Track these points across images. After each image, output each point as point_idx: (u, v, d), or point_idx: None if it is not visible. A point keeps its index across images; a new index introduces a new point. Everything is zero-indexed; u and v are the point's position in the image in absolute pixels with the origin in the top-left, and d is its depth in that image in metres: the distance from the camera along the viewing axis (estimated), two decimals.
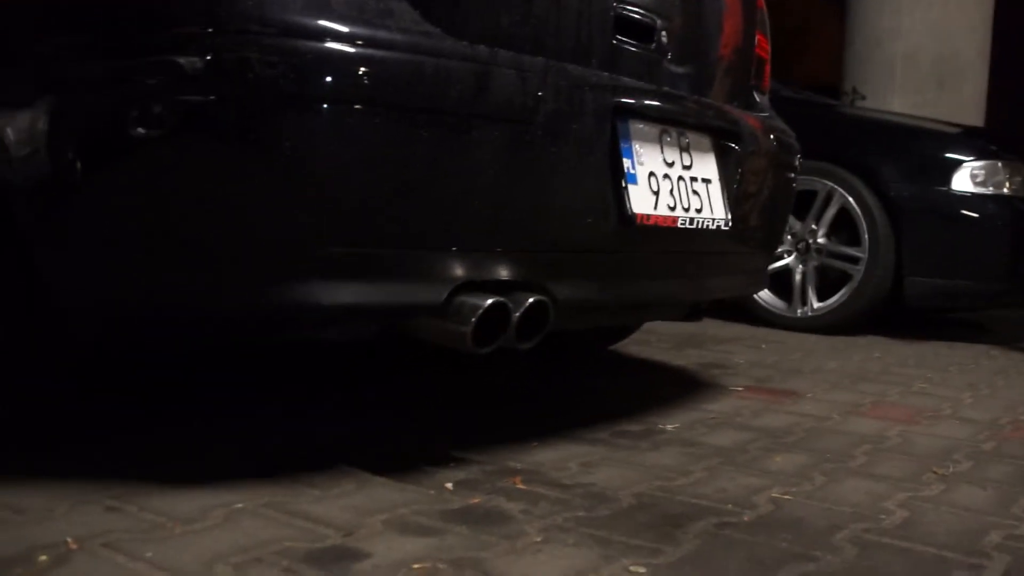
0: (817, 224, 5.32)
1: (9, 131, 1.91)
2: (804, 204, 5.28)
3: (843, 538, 1.90)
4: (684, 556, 1.75)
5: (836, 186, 5.24)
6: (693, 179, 2.56)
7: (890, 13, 7.82)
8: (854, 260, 5.20)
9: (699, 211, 2.54)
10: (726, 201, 2.67)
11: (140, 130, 1.78)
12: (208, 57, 1.75)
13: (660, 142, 2.46)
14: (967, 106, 7.83)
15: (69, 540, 1.65)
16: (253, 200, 1.82)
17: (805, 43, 13.61)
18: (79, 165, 1.85)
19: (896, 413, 3.19)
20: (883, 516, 2.06)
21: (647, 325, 4.57)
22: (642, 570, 1.67)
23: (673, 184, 2.47)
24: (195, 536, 1.71)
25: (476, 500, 2.00)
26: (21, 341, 2.12)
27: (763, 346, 4.68)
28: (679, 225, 2.46)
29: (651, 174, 2.40)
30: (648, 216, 2.36)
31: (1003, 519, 2.10)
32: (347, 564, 1.62)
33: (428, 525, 1.83)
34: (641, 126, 2.40)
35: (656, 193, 2.40)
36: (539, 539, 1.79)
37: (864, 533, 1.94)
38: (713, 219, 2.59)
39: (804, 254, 5.34)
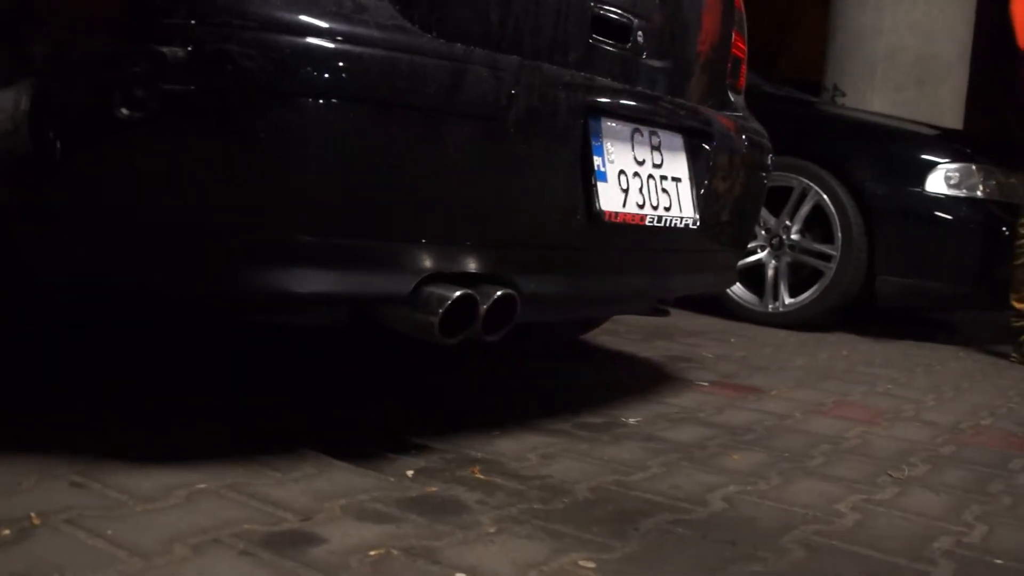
0: (791, 220, 5.36)
1: None
2: (779, 200, 5.33)
3: (792, 540, 1.94)
4: (634, 552, 1.79)
5: (811, 183, 5.28)
6: (663, 177, 2.59)
7: (872, 10, 7.83)
8: (827, 257, 5.25)
9: (668, 209, 2.57)
10: (695, 200, 2.71)
11: (120, 115, 1.80)
12: (190, 48, 1.78)
13: (631, 140, 2.50)
14: (946, 107, 7.85)
15: (33, 515, 1.68)
16: (227, 187, 1.85)
17: (793, 36, 13.63)
18: (59, 145, 1.88)
19: (858, 413, 3.24)
20: (834, 519, 2.10)
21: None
22: (591, 565, 1.71)
23: (643, 182, 2.51)
24: (156, 515, 1.74)
25: (434, 489, 2.04)
26: None
27: (732, 340, 4.72)
28: (647, 223, 2.50)
29: (621, 172, 2.43)
30: (616, 213, 2.39)
31: (953, 525, 2.15)
32: (303, 548, 1.66)
33: (385, 512, 1.87)
34: (613, 124, 2.43)
35: (625, 191, 2.43)
36: (492, 530, 1.83)
37: (814, 535, 1.98)
38: (682, 217, 2.63)
39: (777, 250, 5.39)
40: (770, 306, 5.39)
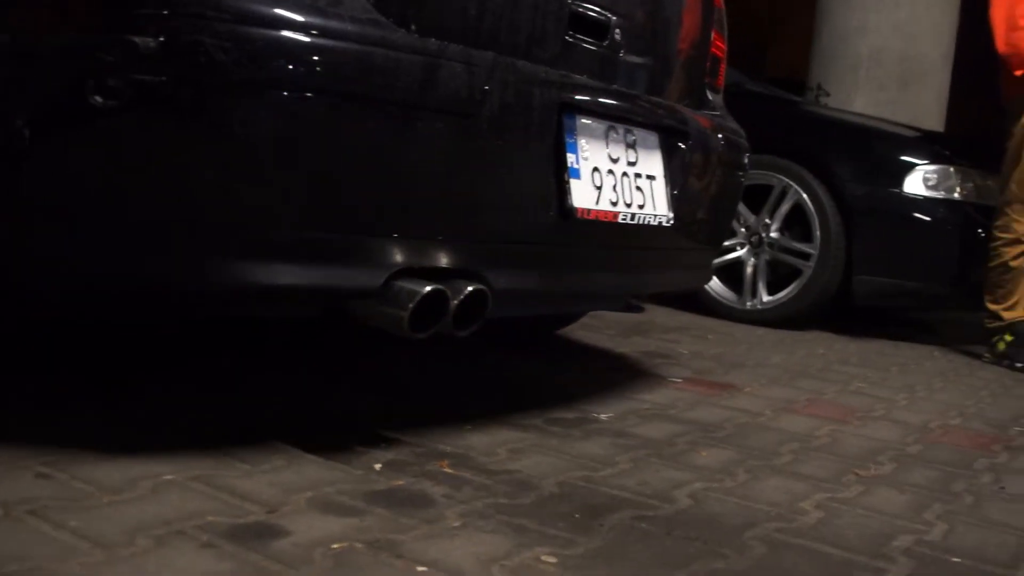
0: (771, 218, 5.37)
1: None
2: (759, 198, 5.35)
3: (754, 537, 1.96)
4: (597, 548, 1.81)
5: (791, 182, 5.29)
6: (638, 175, 2.60)
7: (858, 11, 7.87)
8: (805, 256, 5.27)
9: (641, 207, 2.59)
10: (670, 198, 2.72)
11: (92, 106, 1.80)
12: (162, 39, 1.78)
13: (606, 138, 2.51)
14: (929, 108, 7.89)
15: None
16: (200, 181, 1.85)
17: (782, 35, 13.67)
18: (28, 134, 1.87)
19: (829, 411, 3.26)
20: (798, 516, 2.12)
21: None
22: (553, 560, 1.72)
23: (617, 180, 2.52)
24: (121, 506, 1.75)
25: (401, 482, 2.05)
26: None
27: (709, 337, 4.74)
28: (620, 220, 2.51)
29: (595, 169, 2.44)
30: (589, 210, 2.40)
31: (914, 523, 2.17)
32: (266, 541, 1.66)
33: (350, 505, 1.88)
34: (587, 122, 2.44)
35: (599, 188, 2.44)
36: (457, 524, 1.84)
37: (776, 533, 2.00)
38: (655, 215, 2.64)
39: (756, 247, 5.40)
40: (748, 303, 5.40)
